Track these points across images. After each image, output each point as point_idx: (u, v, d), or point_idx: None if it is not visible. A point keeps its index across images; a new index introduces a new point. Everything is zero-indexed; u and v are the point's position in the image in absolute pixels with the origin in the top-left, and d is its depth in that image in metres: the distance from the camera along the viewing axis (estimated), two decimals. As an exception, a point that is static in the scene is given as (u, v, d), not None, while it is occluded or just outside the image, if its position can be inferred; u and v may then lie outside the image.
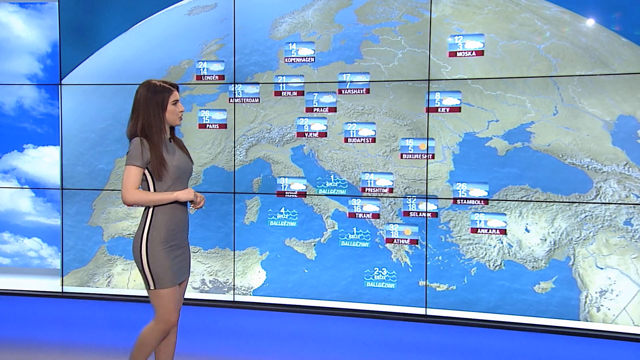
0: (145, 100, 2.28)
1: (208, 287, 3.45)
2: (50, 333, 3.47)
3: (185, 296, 3.44)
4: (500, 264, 3.05)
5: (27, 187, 3.69)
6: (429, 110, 3.13)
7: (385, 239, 3.21)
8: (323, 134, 3.27)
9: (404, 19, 3.15)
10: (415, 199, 3.16)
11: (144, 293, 3.50)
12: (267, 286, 3.38)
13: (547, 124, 2.96)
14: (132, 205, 2.28)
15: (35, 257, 3.71)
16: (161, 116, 2.29)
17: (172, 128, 2.42)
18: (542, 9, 2.96)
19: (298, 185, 3.31)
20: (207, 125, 3.42)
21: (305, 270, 3.32)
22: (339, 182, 3.26)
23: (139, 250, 2.26)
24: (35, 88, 3.61)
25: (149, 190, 2.28)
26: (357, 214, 3.25)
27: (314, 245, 3.30)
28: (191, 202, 2.34)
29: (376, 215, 3.22)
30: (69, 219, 3.58)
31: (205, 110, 3.41)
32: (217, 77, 3.40)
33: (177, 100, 2.34)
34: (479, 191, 3.07)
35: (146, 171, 2.26)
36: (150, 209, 2.28)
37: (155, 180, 2.27)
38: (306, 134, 3.30)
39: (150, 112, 2.27)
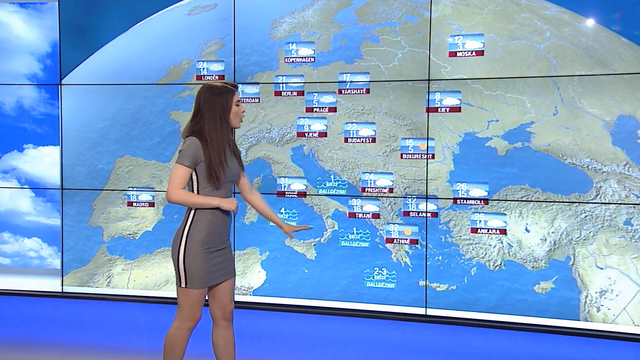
0: (210, 103, 2.26)
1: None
2: (50, 333, 3.47)
3: (185, 296, 3.45)
4: (500, 264, 3.05)
5: (27, 187, 3.69)
6: (429, 110, 3.13)
7: (385, 239, 3.21)
8: (323, 134, 3.27)
9: (404, 19, 3.15)
10: (415, 199, 3.16)
11: (145, 293, 3.51)
12: (267, 286, 3.38)
13: (547, 124, 2.96)
14: (175, 203, 2.28)
15: (35, 257, 3.71)
16: (226, 118, 2.29)
17: (231, 131, 2.40)
18: (542, 9, 2.96)
19: (298, 185, 3.31)
20: (207, 125, 3.41)
21: (305, 270, 3.32)
22: (339, 182, 3.26)
23: (178, 247, 2.27)
24: (35, 88, 3.61)
25: (192, 190, 2.29)
26: (357, 214, 3.25)
27: (314, 245, 3.31)
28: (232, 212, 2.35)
29: (376, 215, 3.22)
30: (69, 219, 3.59)
31: (205, 110, 3.41)
32: (217, 77, 3.40)
33: (239, 101, 2.34)
34: (479, 191, 3.07)
35: (193, 172, 2.27)
36: (193, 209, 2.29)
37: (201, 181, 2.27)
38: (306, 134, 3.30)
39: (216, 114, 2.26)
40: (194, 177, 2.27)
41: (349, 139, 3.24)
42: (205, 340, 3.24)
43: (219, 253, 2.34)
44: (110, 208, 3.54)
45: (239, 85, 2.43)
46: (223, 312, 2.44)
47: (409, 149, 3.16)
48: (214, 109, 2.27)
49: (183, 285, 2.28)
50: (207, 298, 2.41)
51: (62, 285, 3.61)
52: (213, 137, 2.25)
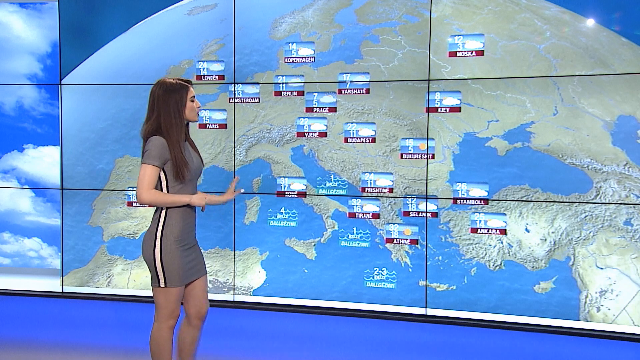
0: (164, 100, 2.27)
1: (208, 287, 3.45)
2: (50, 333, 3.47)
3: (185, 296, 3.45)
4: (500, 264, 3.05)
5: (27, 187, 3.69)
6: (429, 110, 3.13)
7: (385, 239, 3.21)
8: (323, 134, 3.27)
9: (404, 19, 3.15)
10: (415, 199, 3.16)
11: (144, 293, 3.50)
12: (267, 286, 3.38)
13: (547, 124, 2.96)
14: (146, 204, 2.28)
15: (35, 257, 3.71)
16: (182, 114, 2.29)
17: (187, 127, 2.42)
18: (542, 9, 2.96)
19: (298, 185, 3.31)
20: (207, 125, 3.42)
21: (305, 270, 3.32)
22: (339, 182, 3.26)
23: (152, 248, 2.27)
24: (35, 88, 3.61)
25: (161, 189, 2.29)
26: (357, 214, 3.25)
27: (314, 245, 3.30)
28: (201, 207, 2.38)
29: (376, 215, 3.22)
30: (69, 219, 3.59)
31: (205, 110, 3.41)
32: (217, 77, 3.40)
33: (194, 96, 2.35)
34: (479, 191, 3.07)
35: (161, 171, 2.26)
36: (164, 208, 2.29)
37: (169, 179, 2.27)
38: (306, 134, 3.30)
39: (171, 111, 2.27)
40: (162, 176, 2.28)
41: (349, 139, 3.24)
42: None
43: (191, 250, 2.36)
44: (110, 208, 3.54)
45: (191, 81, 2.42)
46: (199, 312, 2.46)
47: (409, 149, 3.16)
48: (168, 106, 2.27)
49: (162, 285, 2.27)
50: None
51: (62, 285, 3.61)
52: (172, 135, 2.25)
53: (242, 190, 2.69)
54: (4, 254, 3.75)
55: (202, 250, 3.45)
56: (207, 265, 3.46)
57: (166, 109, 2.27)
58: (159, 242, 2.26)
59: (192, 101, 2.34)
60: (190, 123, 2.42)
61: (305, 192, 3.31)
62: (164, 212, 2.29)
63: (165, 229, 2.27)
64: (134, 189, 3.50)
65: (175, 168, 2.24)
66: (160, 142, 2.23)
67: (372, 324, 3.26)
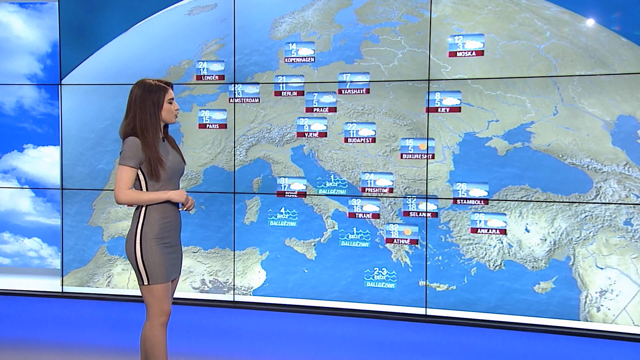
0: (141, 100, 2.30)
1: (208, 287, 3.45)
2: (50, 333, 3.47)
3: (185, 296, 3.46)
4: (500, 264, 3.05)
5: (27, 187, 3.69)
6: (429, 110, 3.13)
7: (385, 239, 3.21)
8: (323, 134, 3.27)
9: (404, 19, 3.15)
10: (415, 199, 3.16)
11: (144, 293, 3.50)
12: (267, 286, 3.38)
13: (547, 124, 2.96)
14: (124, 204, 2.31)
15: (35, 257, 3.71)
16: (157, 115, 2.31)
17: (165, 127, 2.43)
18: (542, 9, 2.96)
19: (298, 185, 3.31)
20: (207, 125, 3.42)
21: (305, 270, 3.32)
22: (339, 182, 3.26)
23: (133, 247, 2.29)
24: (35, 88, 3.61)
25: (141, 189, 2.31)
26: (357, 214, 3.25)
27: (314, 245, 3.30)
28: (182, 203, 2.37)
29: (376, 215, 3.22)
30: (69, 219, 3.59)
31: (205, 110, 3.41)
32: (217, 77, 3.40)
33: (173, 99, 2.37)
34: (479, 191, 3.07)
35: (139, 170, 2.28)
36: (144, 207, 2.31)
37: (148, 179, 2.29)
38: (306, 134, 3.30)
39: (147, 111, 2.29)
40: (141, 176, 2.30)
41: (349, 139, 3.24)
42: (196, 339, 3.24)
43: (173, 249, 2.38)
44: (110, 208, 3.54)
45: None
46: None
47: (409, 149, 3.16)
48: (144, 106, 2.30)
49: (146, 283, 2.30)
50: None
51: (62, 285, 3.61)
52: (147, 135, 2.27)
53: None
54: (4, 254, 3.75)
55: (202, 250, 3.47)
56: (207, 265, 3.49)
57: (143, 109, 2.29)
58: (139, 241, 2.28)
59: (170, 103, 2.35)
60: (172, 122, 2.44)
61: (305, 192, 3.31)
62: (143, 210, 2.32)
63: (144, 227, 2.29)
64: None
65: (149, 168, 2.26)
66: (135, 143, 2.25)
67: (372, 324, 3.26)
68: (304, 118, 3.30)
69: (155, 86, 2.32)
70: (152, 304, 2.33)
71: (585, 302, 2.93)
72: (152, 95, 2.31)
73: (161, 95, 2.32)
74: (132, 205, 2.35)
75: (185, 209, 2.39)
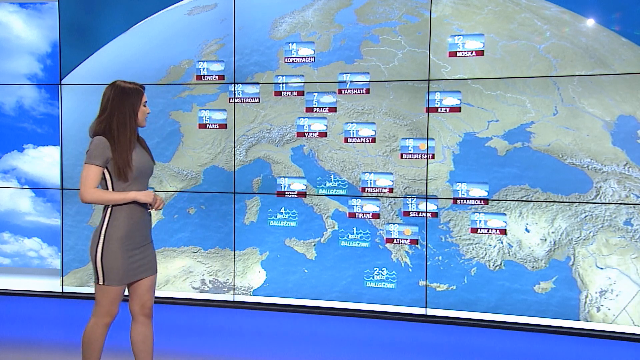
0: (119, 102, 2.32)
1: (208, 287, 3.45)
2: (50, 333, 3.47)
3: (185, 296, 3.46)
4: (500, 264, 3.05)
5: (27, 187, 3.69)
6: (429, 110, 3.13)
7: (385, 239, 3.21)
8: (323, 134, 3.27)
9: (404, 19, 3.15)
10: (415, 199, 3.16)
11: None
12: (267, 286, 3.38)
13: (547, 124, 2.96)
14: (89, 203, 2.32)
15: (35, 257, 3.71)
16: (135, 118, 2.33)
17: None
18: (542, 9, 2.96)
19: (298, 185, 3.31)
20: (207, 125, 3.42)
21: (305, 270, 3.32)
22: (339, 182, 3.26)
23: (96, 245, 2.30)
24: (35, 88, 3.61)
25: (107, 188, 2.31)
26: (357, 214, 3.25)
27: (314, 245, 3.30)
28: (149, 204, 2.37)
29: (376, 215, 3.22)
30: (69, 219, 3.58)
31: (205, 110, 3.41)
32: (217, 77, 3.40)
33: (146, 102, 2.40)
34: (479, 191, 3.07)
35: (105, 170, 2.28)
36: (110, 207, 2.32)
37: (114, 179, 2.30)
38: (306, 134, 3.30)
39: (126, 113, 2.31)
40: (107, 175, 2.31)
41: (349, 139, 3.24)
42: (196, 339, 3.23)
43: (139, 250, 2.37)
44: (110, 208, 3.54)
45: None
46: (142, 308, 2.47)
47: (409, 149, 3.16)
48: (123, 108, 2.32)
49: (101, 282, 2.31)
50: (127, 294, 2.43)
51: (62, 285, 3.61)
52: (121, 136, 2.29)
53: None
54: (4, 254, 3.75)
55: (202, 250, 3.47)
56: (207, 265, 3.49)
57: (121, 110, 2.31)
58: (102, 241, 2.29)
59: (145, 106, 2.38)
60: (143, 126, 2.45)
61: (305, 192, 3.31)
62: (109, 210, 2.32)
63: (109, 228, 2.30)
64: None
65: (116, 168, 2.26)
66: (102, 142, 2.27)
67: (372, 324, 3.26)
68: (304, 118, 3.30)
69: (133, 90, 2.36)
70: (102, 304, 2.35)
71: (585, 302, 2.93)
72: (131, 97, 2.34)
73: (138, 98, 2.36)
74: (98, 204, 2.35)
75: (153, 209, 2.40)
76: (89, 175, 2.25)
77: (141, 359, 2.50)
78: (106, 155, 2.26)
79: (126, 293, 2.44)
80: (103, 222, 2.31)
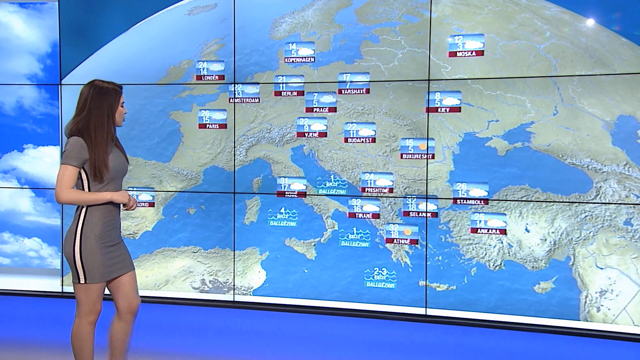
0: (97, 102, 2.32)
1: (208, 287, 3.45)
2: (50, 333, 3.47)
3: (185, 296, 3.46)
4: (500, 264, 3.05)
5: (27, 187, 3.69)
6: (429, 110, 3.13)
7: (385, 239, 3.21)
8: (323, 134, 3.27)
9: (404, 19, 3.15)
10: (415, 199, 3.16)
11: (144, 293, 3.50)
12: (267, 286, 3.38)
13: (547, 124, 2.96)
14: (65, 204, 2.33)
15: (35, 257, 3.71)
16: (112, 118, 2.34)
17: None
18: (542, 9, 2.96)
19: (298, 185, 3.31)
20: (207, 125, 3.42)
21: (305, 270, 3.32)
22: (339, 182, 3.26)
23: (72, 245, 2.30)
24: (35, 88, 3.61)
25: (83, 188, 2.31)
26: (357, 214, 3.25)
27: (314, 245, 3.31)
28: (124, 204, 2.39)
29: (376, 215, 3.22)
30: (69, 219, 3.56)
31: (205, 110, 3.41)
32: (217, 77, 3.40)
33: (123, 103, 2.40)
34: (479, 191, 3.07)
35: (81, 170, 2.29)
36: (84, 207, 2.33)
37: (90, 179, 2.30)
38: (306, 134, 3.30)
39: (104, 112, 2.32)
40: (83, 175, 2.31)
41: (349, 139, 3.25)
42: (196, 339, 3.23)
43: (114, 247, 2.40)
44: (110, 208, 3.54)
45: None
46: (130, 306, 2.49)
47: (409, 149, 3.16)
48: (101, 108, 2.32)
49: (82, 281, 2.31)
50: (108, 292, 2.44)
51: (62, 285, 3.61)
52: (98, 136, 2.29)
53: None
54: (4, 254, 3.75)
55: (202, 250, 3.47)
56: (207, 265, 3.49)
57: (99, 110, 2.31)
58: (79, 240, 2.30)
59: (122, 107, 2.39)
60: (120, 126, 2.47)
61: (305, 192, 3.31)
62: (84, 210, 2.33)
63: (85, 227, 2.31)
64: (134, 189, 3.50)
65: (93, 169, 2.27)
66: (79, 143, 2.27)
67: (372, 324, 3.26)
68: (304, 118, 3.30)
69: (111, 90, 2.37)
70: (85, 303, 2.35)
71: (585, 302, 2.93)
72: (109, 97, 2.35)
73: (116, 98, 2.37)
74: (73, 204, 2.35)
75: (127, 209, 2.41)
76: (65, 176, 2.25)
77: (117, 353, 2.51)
78: (83, 156, 2.26)
79: (107, 292, 2.44)
80: (77, 221, 2.32)
